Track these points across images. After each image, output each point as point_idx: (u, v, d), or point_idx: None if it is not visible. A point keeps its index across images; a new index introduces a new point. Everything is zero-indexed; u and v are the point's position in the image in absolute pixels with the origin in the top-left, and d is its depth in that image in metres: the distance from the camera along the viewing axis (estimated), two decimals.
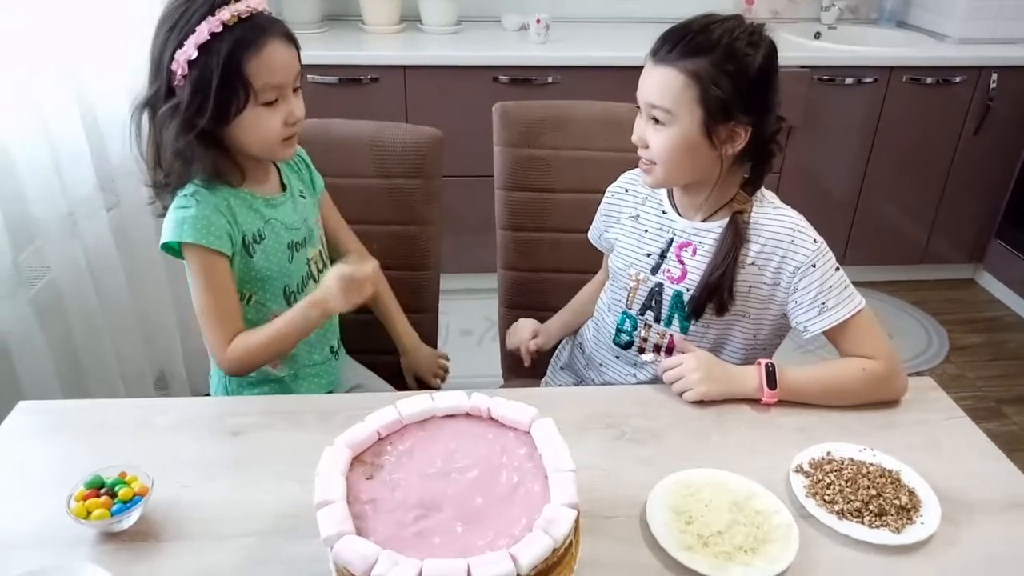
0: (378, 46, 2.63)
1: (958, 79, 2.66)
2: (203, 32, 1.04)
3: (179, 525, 0.88)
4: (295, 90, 1.15)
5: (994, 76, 2.65)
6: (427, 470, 0.83)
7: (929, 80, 2.65)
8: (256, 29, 1.08)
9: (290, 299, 1.24)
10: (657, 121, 1.09)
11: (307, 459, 0.83)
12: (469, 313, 2.69)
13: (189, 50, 1.04)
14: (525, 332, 1.44)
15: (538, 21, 2.60)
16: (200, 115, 1.07)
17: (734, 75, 1.04)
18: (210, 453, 0.99)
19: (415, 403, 0.90)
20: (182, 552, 0.85)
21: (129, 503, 0.86)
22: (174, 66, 1.06)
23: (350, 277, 1.11)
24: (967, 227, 2.95)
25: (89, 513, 0.84)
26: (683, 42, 1.06)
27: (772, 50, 1.07)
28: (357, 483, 0.81)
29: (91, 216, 1.67)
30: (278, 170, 1.27)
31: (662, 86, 1.07)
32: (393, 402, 0.89)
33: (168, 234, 1.13)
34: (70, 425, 1.05)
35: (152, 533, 0.87)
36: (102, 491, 0.87)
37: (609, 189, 1.31)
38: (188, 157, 1.10)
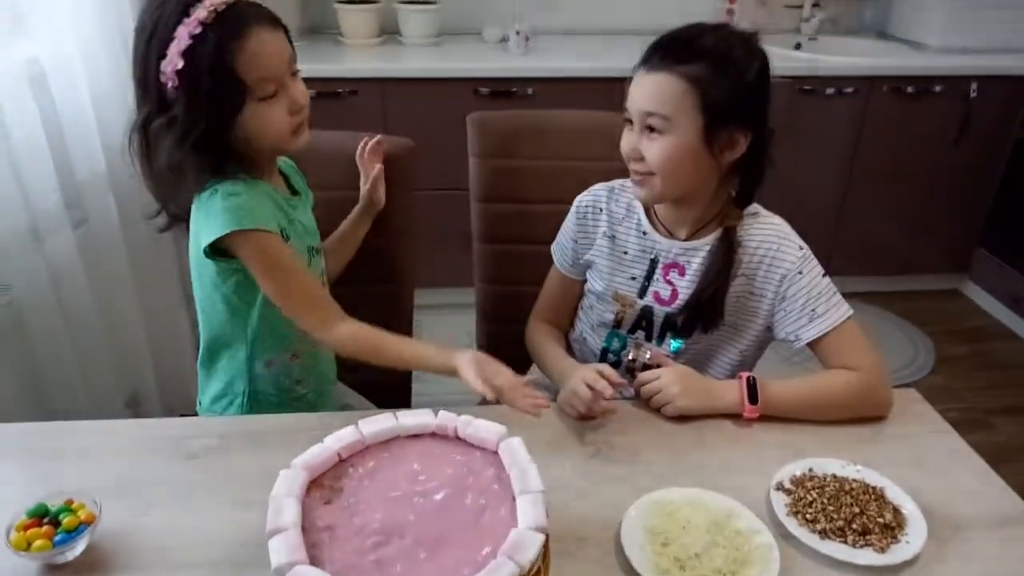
0: (357, 59, 2.61)
1: (938, 88, 2.65)
2: (183, 37, 0.97)
3: (129, 555, 0.83)
4: (293, 75, 1.08)
5: (974, 85, 2.64)
6: (389, 493, 0.79)
7: (910, 89, 2.65)
8: (237, 21, 1.00)
9: None
10: (652, 130, 1.05)
11: (266, 483, 0.78)
12: (448, 329, 2.64)
13: (174, 59, 0.98)
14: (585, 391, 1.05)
15: (518, 32, 2.59)
16: (196, 125, 1.00)
17: (733, 80, 1.02)
18: (164, 478, 0.94)
19: (378, 422, 0.86)
20: None
21: (74, 532, 0.81)
22: (163, 79, 1.00)
23: (491, 364, 1.01)
24: (951, 236, 2.94)
25: (29, 544, 0.79)
26: (678, 48, 1.04)
27: (766, 58, 1.06)
28: (314, 508, 0.77)
29: (56, 232, 1.62)
30: (284, 177, 1.22)
31: (660, 93, 1.04)
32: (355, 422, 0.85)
33: (228, 224, 1.02)
34: (18, 449, 1.00)
35: (100, 564, 0.82)
36: (46, 520, 0.82)
37: (579, 207, 1.26)
38: (185, 168, 1.02)
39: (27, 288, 1.55)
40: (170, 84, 1.00)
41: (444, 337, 2.64)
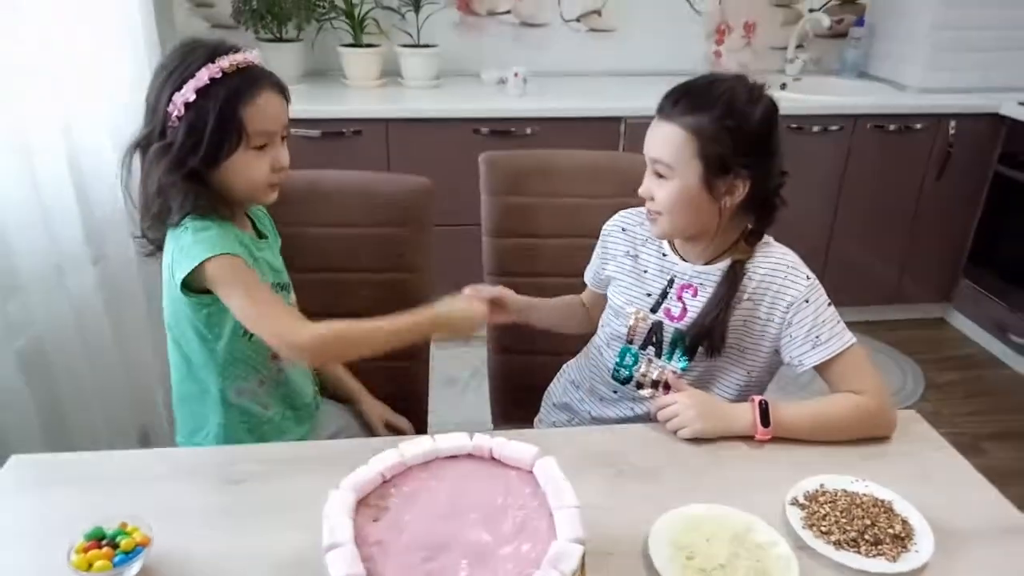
0: (360, 100, 2.69)
1: (919, 126, 2.78)
2: (202, 77, 1.09)
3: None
4: (283, 139, 1.20)
5: (952, 123, 2.77)
6: (433, 511, 0.84)
7: (892, 127, 2.77)
8: (252, 79, 1.13)
9: None
10: (660, 175, 1.14)
11: (309, 506, 0.83)
12: (453, 361, 2.70)
13: (187, 93, 1.09)
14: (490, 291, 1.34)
15: (516, 75, 2.68)
16: (192, 155, 1.11)
17: (733, 130, 1.09)
18: (210, 503, 0.99)
19: (418, 445, 0.91)
20: None
21: (131, 554, 0.85)
22: (170, 108, 1.10)
23: (478, 314, 1.25)
24: (935, 267, 3.05)
25: (90, 565, 0.83)
26: (685, 99, 1.12)
27: (772, 107, 1.13)
28: (364, 526, 0.81)
29: (77, 269, 1.67)
30: (252, 222, 1.30)
31: (664, 142, 1.12)
32: (394, 446, 0.90)
33: (200, 254, 1.09)
34: (65, 478, 1.04)
35: None
36: (103, 542, 0.86)
37: (605, 227, 1.36)
38: (171, 193, 1.12)
39: (51, 323, 1.59)
40: (175, 113, 1.10)
41: (457, 368, 2.69)
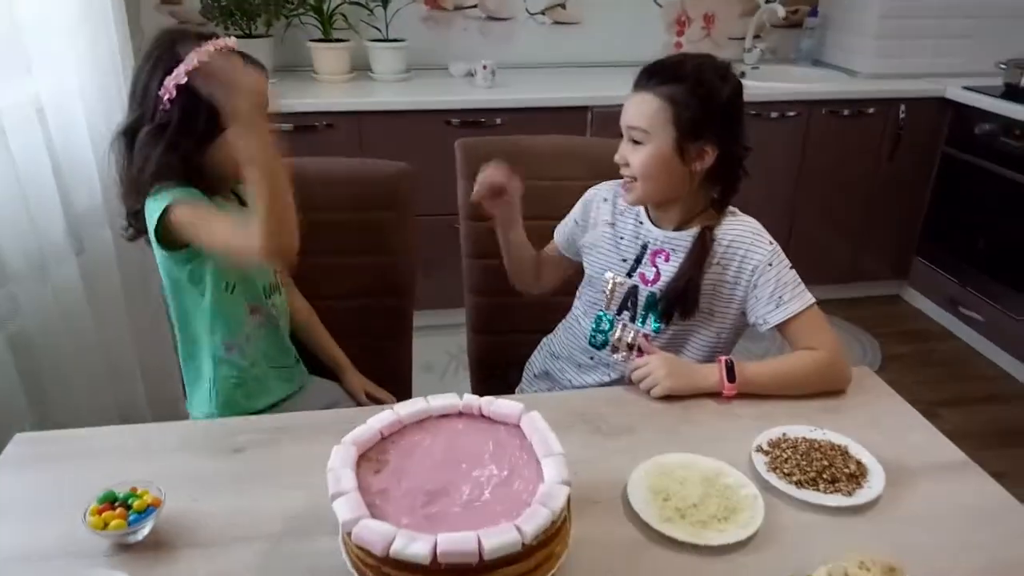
0: (331, 94, 2.73)
1: (871, 110, 2.90)
2: (192, 61, 1.14)
3: (192, 534, 0.92)
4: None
5: (902, 107, 2.90)
6: (429, 463, 0.90)
7: (846, 112, 2.89)
8: (243, 60, 1.18)
9: (265, 292, 1.35)
10: (636, 142, 1.22)
11: (309, 469, 0.90)
12: (431, 348, 2.75)
13: (179, 76, 1.14)
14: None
15: (485, 67, 2.74)
16: (187, 134, 1.16)
17: (704, 99, 1.19)
18: (213, 469, 1.04)
19: (412, 405, 0.97)
20: (197, 557, 0.89)
21: (143, 513, 0.90)
22: (161, 92, 1.15)
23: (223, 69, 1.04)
24: (891, 246, 3.18)
25: (106, 524, 0.88)
26: (660, 73, 1.21)
27: (738, 84, 1.23)
28: (366, 477, 0.87)
29: (61, 261, 1.70)
30: (238, 199, 1.35)
31: (641, 109, 1.21)
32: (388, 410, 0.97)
33: (158, 209, 1.14)
34: (69, 452, 1.08)
35: (166, 543, 0.91)
36: (116, 504, 0.91)
37: (586, 195, 1.43)
38: (164, 174, 1.17)
39: (35, 313, 1.62)
40: (167, 97, 1.15)
41: (435, 354, 2.74)
